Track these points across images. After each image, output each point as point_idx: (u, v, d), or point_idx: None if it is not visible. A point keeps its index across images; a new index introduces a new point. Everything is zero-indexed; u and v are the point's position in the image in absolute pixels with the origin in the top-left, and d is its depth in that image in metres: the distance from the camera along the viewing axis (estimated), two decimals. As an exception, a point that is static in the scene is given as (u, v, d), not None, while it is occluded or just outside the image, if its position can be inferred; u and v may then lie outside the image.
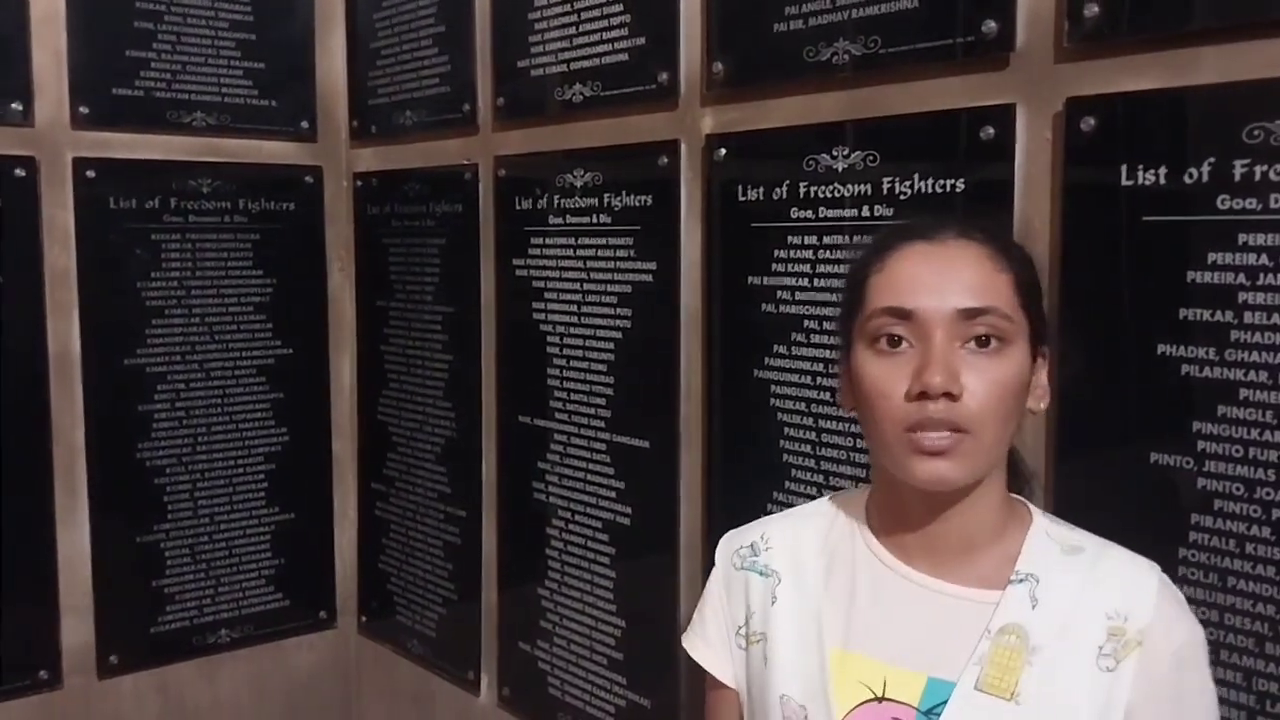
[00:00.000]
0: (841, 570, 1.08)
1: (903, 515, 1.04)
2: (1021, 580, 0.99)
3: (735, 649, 1.14)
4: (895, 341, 0.98)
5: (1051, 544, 1.02)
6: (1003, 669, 0.96)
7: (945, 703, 0.97)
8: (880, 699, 1.00)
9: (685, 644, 1.20)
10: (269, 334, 2.56)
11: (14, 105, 2.22)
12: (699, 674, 1.19)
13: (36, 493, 2.28)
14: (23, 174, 2.23)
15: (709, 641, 1.17)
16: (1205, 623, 1.20)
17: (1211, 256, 1.20)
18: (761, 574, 1.13)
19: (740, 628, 1.14)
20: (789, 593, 1.10)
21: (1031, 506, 1.07)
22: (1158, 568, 1.00)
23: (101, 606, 2.37)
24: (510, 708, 2.26)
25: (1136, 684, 0.94)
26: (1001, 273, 0.98)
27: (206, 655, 2.52)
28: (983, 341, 0.95)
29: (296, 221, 2.60)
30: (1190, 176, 1.21)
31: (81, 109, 2.30)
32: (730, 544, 1.19)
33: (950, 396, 0.93)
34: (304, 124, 2.60)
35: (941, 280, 0.97)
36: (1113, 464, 1.31)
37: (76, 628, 2.34)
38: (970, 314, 0.95)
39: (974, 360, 0.95)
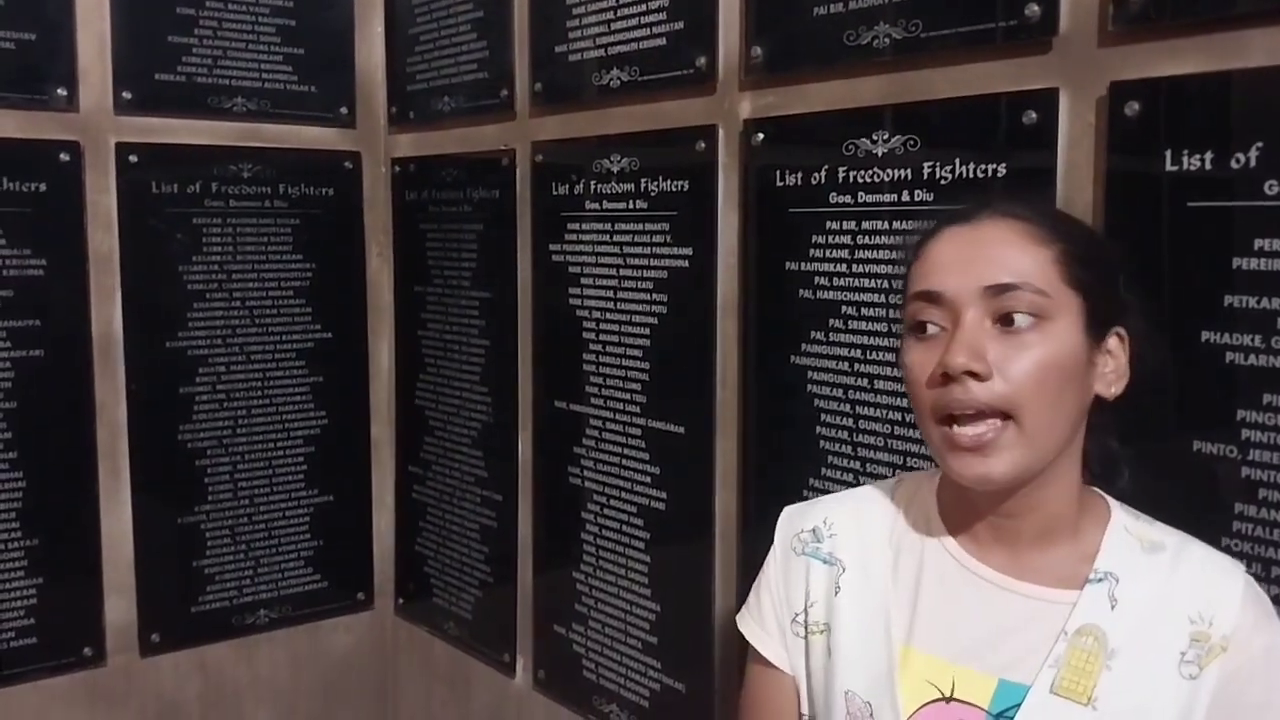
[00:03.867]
0: (909, 563, 1.05)
1: (971, 508, 1.01)
2: (1100, 580, 0.96)
3: (791, 636, 1.12)
4: (928, 326, 0.96)
5: (1132, 540, 0.98)
6: (1079, 672, 0.93)
7: (1017, 706, 0.94)
8: (948, 699, 0.98)
9: (739, 624, 1.18)
10: (308, 318, 2.58)
11: (59, 90, 2.25)
12: (734, 659, 1.18)
13: (81, 474, 2.32)
14: (67, 158, 2.26)
15: (764, 625, 1.15)
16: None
17: (1259, 243, 1.18)
18: (825, 562, 1.10)
19: (798, 615, 1.11)
20: (854, 584, 1.07)
21: (1110, 500, 1.03)
22: (1242, 568, 0.97)
23: (143, 586, 2.40)
24: (545, 690, 2.27)
25: (1219, 692, 0.91)
26: (1038, 245, 0.94)
27: (246, 635, 2.56)
28: (1013, 317, 0.92)
29: (335, 207, 2.62)
30: (1237, 162, 1.19)
31: (125, 94, 2.33)
32: (791, 525, 1.15)
33: (976, 376, 0.90)
34: (343, 110, 2.62)
35: (970, 258, 0.94)
36: (1155, 453, 1.29)
37: (119, 606, 2.38)
38: (998, 290, 0.92)
39: (1006, 339, 0.92)
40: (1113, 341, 0.98)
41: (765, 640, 1.14)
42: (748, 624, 1.17)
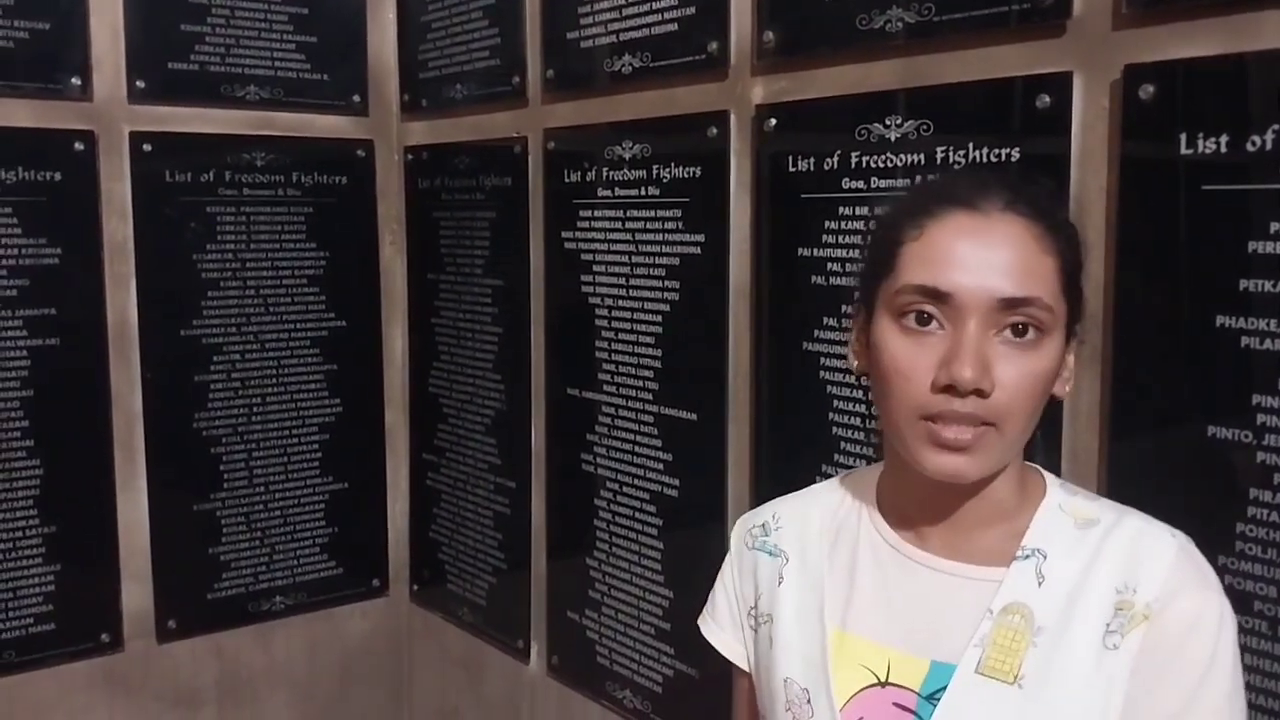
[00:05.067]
0: (845, 548, 1.05)
1: (910, 494, 1.00)
2: (1027, 556, 0.94)
3: (747, 630, 1.12)
4: (924, 319, 0.91)
5: (1064, 518, 0.97)
6: (1005, 651, 0.91)
7: (946, 687, 0.93)
8: (884, 684, 0.97)
9: (700, 625, 1.19)
10: (322, 306, 2.59)
11: (73, 80, 2.26)
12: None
13: (97, 461, 2.33)
14: (81, 148, 2.27)
15: (720, 623, 1.16)
16: (1263, 599, 1.19)
17: (1274, 226, 1.17)
18: (770, 554, 1.11)
19: (752, 609, 1.12)
20: (794, 573, 1.07)
21: (1047, 476, 1.02)
22: (1182, 536, 0.93)
23: (160, 572, 2.42)
24: (559, 676, 2.28)
25: (1140, 659, 0.88)
26: (1047, 255, 0.91)
27: (261, 621, 2.57)
28: (1019, 331, 0.89)
29: (348, 195, 2.62)
30: (1253, 144, 1.18)
31: (138, 83, 2.33)
32: (744, 524, 1.17)
33: (980, 393, 0.88)
34: (355, 98, 2.62)
35: (983, 261, 0.89)
36: (1169, 439, 1.28)
37: (136, 593, 2.40)
38: (1011, 303, 0.89)
39: (1007, 351, 0.89)
40: (1073, 343, 0.97)
41: (721, 637, 1.16)
42: (706, 624, 1.18)
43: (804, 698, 1.00)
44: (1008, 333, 0.90)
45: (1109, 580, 0.91)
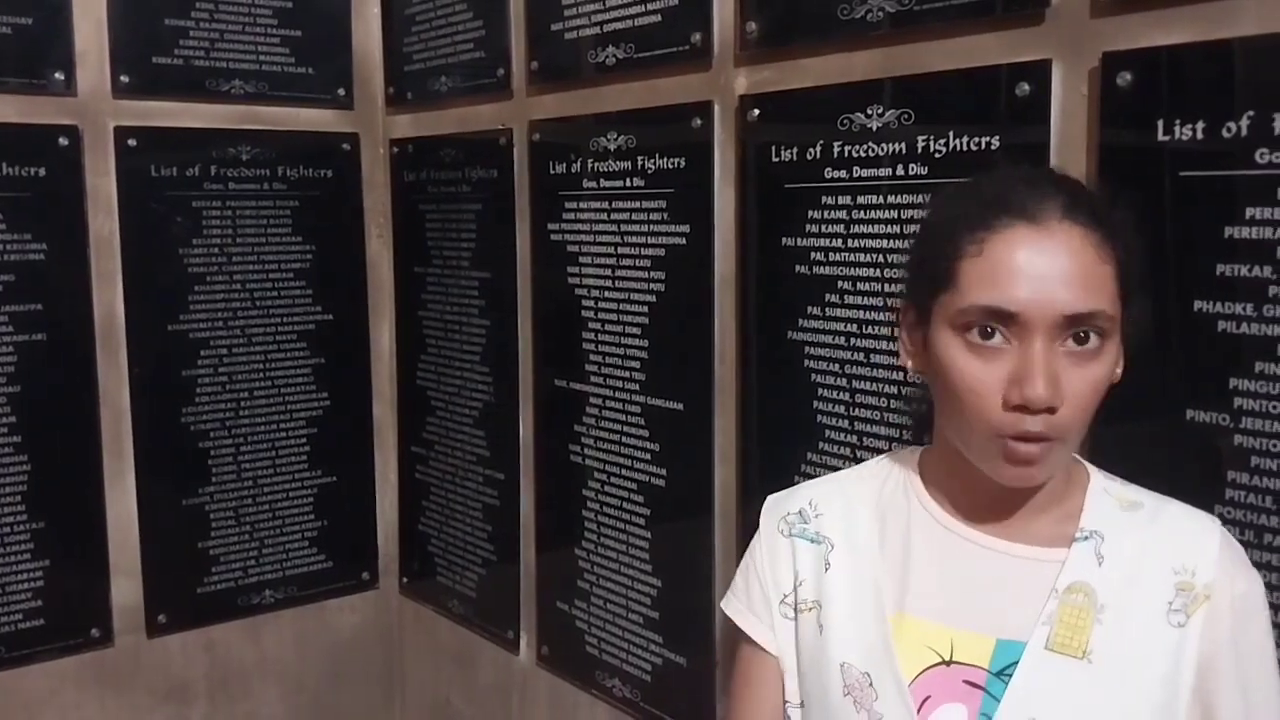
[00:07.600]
0: (896, 532, 1.07)
1: (965, 482, 1.03)
2: (1086, 538, 0.99)
3: (780, 618, 1.12)
4: (988, 333, 0.93)
5: (1111, 500, 1.02)
6: (1072, 628, 0.95)
7: (1015, 664, 0.96)
8: (948, 663, 0.99)
9: (726, 608, 1.19)
10: (309, 300, 2.59)
11: (57, 75, 2.25)
12: (734, 633, 1.19)
13: (85, 457, 2.33)
14: (66, 143, 2.26)
15: (752, 608, 1.15)
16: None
17: (1250, 211, 1.19)
18: (812, 540, 1.11)
19: (787, 596, 1.12)
20: (843, 559, 1.08)
21: (1086, 463, 1.06)
22: (1218, 521, 1.00)
23: (149, 567, 2.42)
24: (549, 666, 2.29)
25: (1204, 637, 0.94)
26: (1105, 263, 0.93)
27: (252, 615, 2.58)
28: (1082, 339, 0.92)
29: (334, 188, 2.62)
30: (1229, 131, 1.20)
31: (122, 78, 2.33)
32: (776, 509, 1.16)
33: (1049, 410, 0.90)
34: (340, 91, 2.62)
35: (1046, 276, 0.91)
36: (1149, 422, 1.30)
37: (126, 588, 2.40)
38: (1075, 319, 0.91)
39: (1071, 362, 0.92)
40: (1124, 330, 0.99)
41: (753, 622, 1.15)
42: (735, 608, 1.18)
43: (865, 681, 1.02)
44: (1071, 342, 0.92)
45: (1164, 561, 0.97)
